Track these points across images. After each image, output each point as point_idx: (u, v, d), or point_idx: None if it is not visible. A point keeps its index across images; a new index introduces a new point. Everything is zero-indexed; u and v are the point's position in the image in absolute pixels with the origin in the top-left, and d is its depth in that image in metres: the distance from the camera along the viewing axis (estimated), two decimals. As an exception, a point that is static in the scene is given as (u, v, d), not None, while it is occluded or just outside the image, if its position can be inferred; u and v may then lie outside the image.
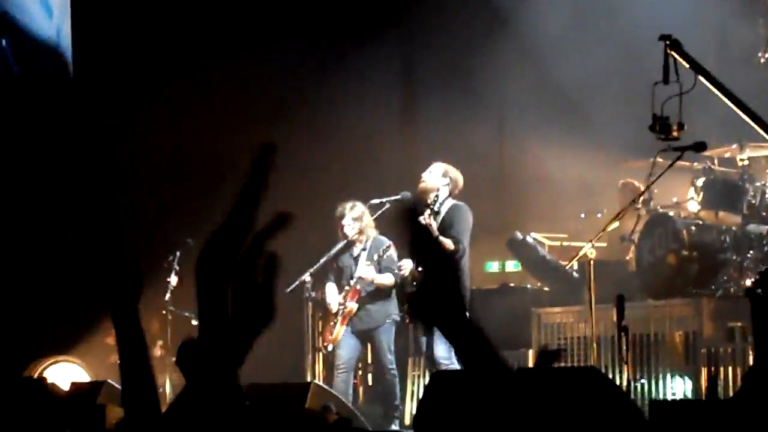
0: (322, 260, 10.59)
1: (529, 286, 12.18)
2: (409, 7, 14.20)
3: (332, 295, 10.58)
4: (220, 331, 2.03)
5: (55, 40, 13.47)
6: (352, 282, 10.47)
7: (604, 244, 11.79)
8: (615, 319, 8.03)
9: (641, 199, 10.06)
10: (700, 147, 8.64)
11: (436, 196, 9.86)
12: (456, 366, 9.78)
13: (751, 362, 8.91)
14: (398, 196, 10.29)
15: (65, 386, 8.63)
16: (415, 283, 9.94)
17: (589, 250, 8.64)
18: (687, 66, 7.85)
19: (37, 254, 12.58)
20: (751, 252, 10.07)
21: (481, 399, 2.18)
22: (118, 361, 2.61)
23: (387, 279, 10.41)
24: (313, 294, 10.63)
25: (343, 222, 10.48)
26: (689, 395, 9.54)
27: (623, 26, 12.26)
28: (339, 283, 10.60)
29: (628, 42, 12.03)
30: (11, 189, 12.68)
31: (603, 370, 9.43)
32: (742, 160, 10.52)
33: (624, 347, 8.13)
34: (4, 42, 13.04)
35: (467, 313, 2.24)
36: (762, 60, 11.49)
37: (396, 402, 10.44)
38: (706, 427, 2.40)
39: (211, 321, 2.03)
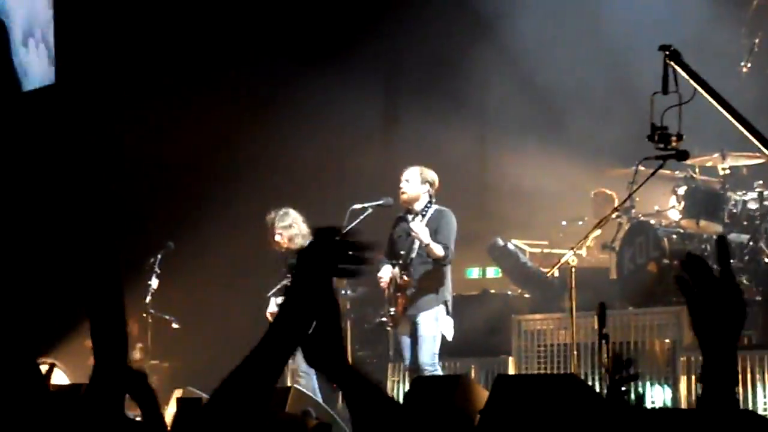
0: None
1: (509, 292, 12.18)
2: (391, 13, 14.20)
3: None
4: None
5: None
6: None
7: (585, 252, 11.83)
8: (596, 326, 8.03)
9: (623, 206, 10.09)
10: (682, 156, 8.65)
11: (419, 204, 9.92)
12: (439, 372, 9.79)
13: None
14: (380, 201, 10.29)
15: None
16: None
17: (570, 258, 8.65)
18: (686, 76, 7.87)
19: (14, 255, 12.52)
20: (732, 261, 10.09)
21: (463, 404, 2.18)
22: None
23: None
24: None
25: (275, 230, 10.45)
26: (668, 403, 9.55)
27: (606, 33, 12.30)
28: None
29: (610, 49, 12.07)
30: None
31: (583, 378, 9.44)
32: (723, 169, 10.56)
33: (604, 355, 8.13)
34: None
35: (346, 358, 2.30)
36: (744, 69, 11.52)
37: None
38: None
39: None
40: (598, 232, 9.16)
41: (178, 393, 9.83)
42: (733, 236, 10.18)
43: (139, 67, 13.34)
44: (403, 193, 10.02)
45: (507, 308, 11.51)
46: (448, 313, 9.90)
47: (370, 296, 11.77)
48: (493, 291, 12.20)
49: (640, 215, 11.00)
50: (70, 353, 12.12)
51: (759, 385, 9.03)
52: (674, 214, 10.77)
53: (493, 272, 12.84)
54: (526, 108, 13.06)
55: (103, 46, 13.34)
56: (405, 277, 9.93)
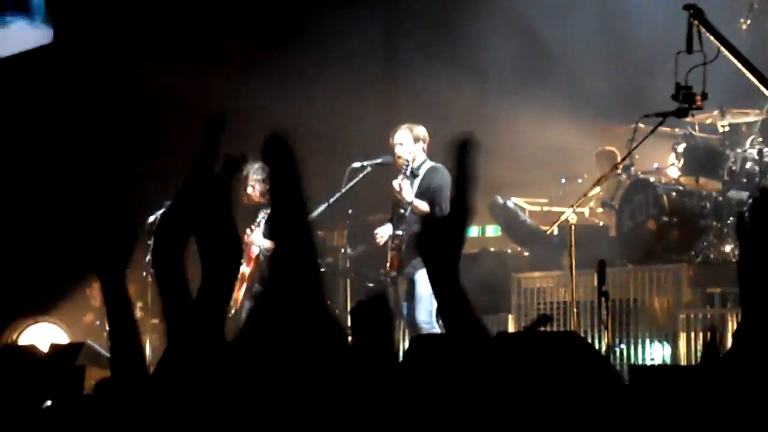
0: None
1: (509, 250, 12.16)
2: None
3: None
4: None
5: None
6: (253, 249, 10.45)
7: (587, 212, 11.82)
8: (596, 284, 8.04)
9: (622, 164, 10.07)
10: (681, 113, 8.63)
11: (416, 162, 9.86)
12: (437, 330, 9.77)
13: (730, 328, 8.93)
14: (379, 160, 10.25)
15: (44, 347, 8.60)
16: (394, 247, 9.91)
17: (570, 215, 8.64)
18: (709, 36, 7.82)
19: (14, 215, 12.53)
20: (731, 218, 10.07)
21: (462, 363, 2.17)
22: (98, 322, 2.60)
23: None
24: None
25: (248, 182, 10.38)
26: (668, 360, 9.57)
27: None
28: None
29: (614, 6, 12.02)
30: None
31: (583, 335, 9.45)
32: (723, 126, 10.52)
33: (604, 312, 8.15)
34: None
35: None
36: (744, 26, 11.44)
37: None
38: (688, 392, 2.38)
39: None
40: (597, 189, 9.15)
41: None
42: (732, 193, 10.16)
43: (132, 26, 13.28)
44: (399, 157, 9.91)
45: (506, 266, 11.51)
46: (446, 270, 9.86)
47: (371, 255, 11.74)
48: (492, 249, 12.19)
49: (639, 172, 10.97)
50: (69, 313, 12.14)
51: None
52: (673, 172, 10.73)
53: (492, 230, 12.81)
54: (528, 65, 13.01)
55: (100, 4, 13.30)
56: (399, 233, 9.86)
